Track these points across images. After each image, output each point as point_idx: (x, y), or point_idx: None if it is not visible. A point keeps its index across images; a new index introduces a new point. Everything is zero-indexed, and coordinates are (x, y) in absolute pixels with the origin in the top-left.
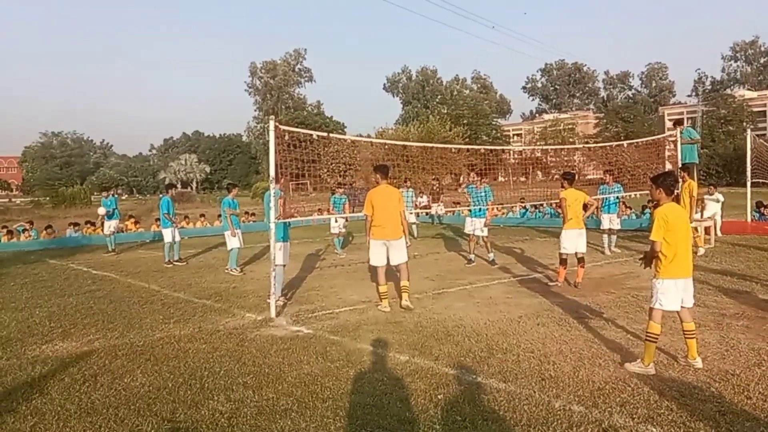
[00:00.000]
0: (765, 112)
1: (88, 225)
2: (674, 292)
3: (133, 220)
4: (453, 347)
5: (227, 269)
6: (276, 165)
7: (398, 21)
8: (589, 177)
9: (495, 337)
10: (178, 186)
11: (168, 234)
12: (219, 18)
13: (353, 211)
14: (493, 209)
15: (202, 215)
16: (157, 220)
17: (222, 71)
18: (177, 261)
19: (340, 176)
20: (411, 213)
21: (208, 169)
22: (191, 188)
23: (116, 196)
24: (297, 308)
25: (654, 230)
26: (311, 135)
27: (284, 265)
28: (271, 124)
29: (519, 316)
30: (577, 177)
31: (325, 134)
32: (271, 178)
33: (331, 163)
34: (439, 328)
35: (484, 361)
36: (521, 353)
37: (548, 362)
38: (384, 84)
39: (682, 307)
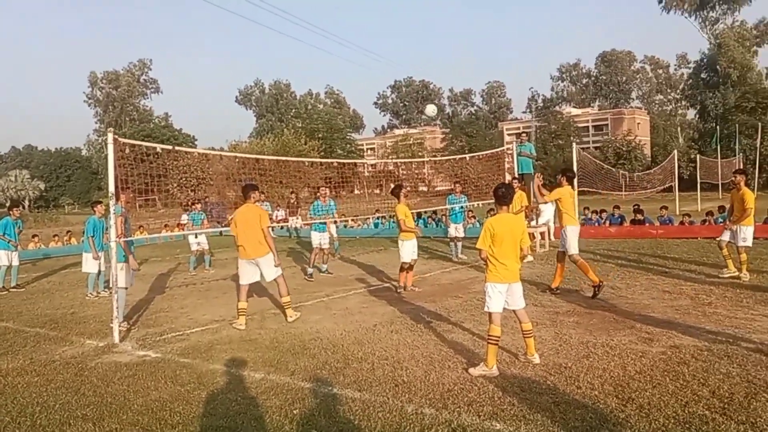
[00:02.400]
0: (588, 127)
1: None
2: (499, 296)
3: None
4: (309, 360)
5: (90, 294)
6: (117, 180)
7: (249, 34)
8: (438, 188)
9: (351, 347)
10: (23, 205)
11: (4, 257)
12: (54, 24)
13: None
14: (335, 221)
15: (35, 236)
16: None
17: (56, 81)
18: (14, 287)
19: (191, 191)
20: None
21: (42, 186)
22: (23, 207)
23: None
24: (144, 332)
25: (480, 239)
26: (155, 148)
27: (127, 287)
28: (110, 136)
29: (374, 324)
30: (428, 189)
31: (170, 147)
32: (110, 194)
33: (182, 178)
34: (295, 343)
35: (340, 371)
36: (376, 361)
37: (401, 368)
38: (236, 97)
39: (505, 309)
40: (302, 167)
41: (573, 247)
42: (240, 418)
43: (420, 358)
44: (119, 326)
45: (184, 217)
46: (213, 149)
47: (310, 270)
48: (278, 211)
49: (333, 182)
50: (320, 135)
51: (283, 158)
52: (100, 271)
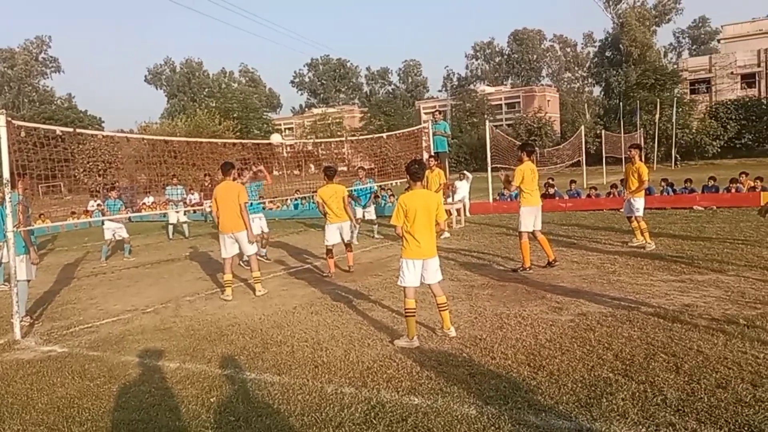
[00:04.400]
0: (501, 105)
1: None
2: (413, 271)
3: None
4: (227, 347)
5: None
6: (12, 166)
7: (158, 9)
8: (357, 167)
9: (270, 331)
10: None
11: None
12: None
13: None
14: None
15: None
16: None
17: None
18: None
19: (99, 176)
20: (179, 211)
21: None
22: None
23: None
24: (49, 326)
25: (393, 216)
26: (55, 131)
27: (29, 280)
28: (2, 119)
29: (294, 307)
30: (347, 168)
31: (70, 129)
32: (5, 181)
33: (88, 162)
34: (212, 329)
35: (259, 356)
36: (295, 344)
37: (321, 349)
38: (145, 76)
39: (423, 283)
40: (216, 148)
41: (522, 225)
42: (154, 410)
43: (340, 338)
44: (20, 321)
45: (92, 204)
46: (122, 131)
47: (264, 251)
48: (192, 194)
49: (250, 163)
50: (235, 115)
51: (196, 139)
52: (0, 263)
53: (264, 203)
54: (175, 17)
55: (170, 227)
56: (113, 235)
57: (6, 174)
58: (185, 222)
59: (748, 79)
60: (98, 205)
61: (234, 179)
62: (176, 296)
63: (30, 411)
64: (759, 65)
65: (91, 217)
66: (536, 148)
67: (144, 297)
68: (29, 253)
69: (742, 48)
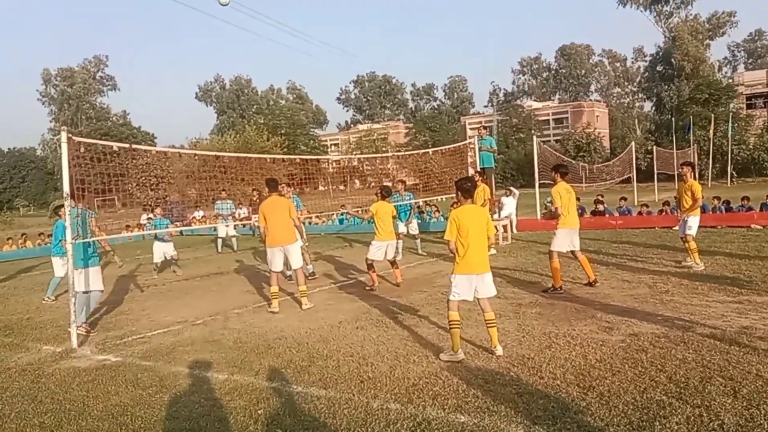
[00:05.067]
0: (548, 120)
1: None
2: (467, 286)
3: None
4: (274, 359)
5: (47, 298)
6: (72, 181)
7: (209, 29)
8: (396, 180)
9: (316, 345)
10: None
11: None
12: (3, 20)
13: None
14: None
15: (9, 238)
16: None
17: (8, 79)
18: None
19: (151, 190)
20: (228, 225)
21: None
22: None
23: None
24: (104, 335)
25: (447, 231)
26: (111, 146)
27: (87, 292)
28: (63, 135)
29: (339, 321)
30: (392, 184)
31: (126, 145)
32: (65, 195)
33: (141, 177)
34: (259, 342)
35: (305, 370)
36: (341, 358)
37: (367, 364)
38: (196, 93)
39: (476, 298)
40: (264, 164)
41: (555, 244)
42: (203, 420)
43: (385, 354)
44: (77, 330)
45: (144, 217)
46: (173, 147)
47: (310, 267)
48: (241, 209)
49: (296, 179)
50: (283, 131)
51: (245, 155)
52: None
53: (311, 218)
54: (225, 36)
55: (219, 241)
56: (163, 255)
57: (66, 188)
58: (234, 236)
59: None
60: (149, 218)
61: (281, 194)
62: (225, 309)
63: (86, 418)
64: None
65: (143, 230)
66: (569, 169)
67: (193, 309)
68: (91, 265)
69: None
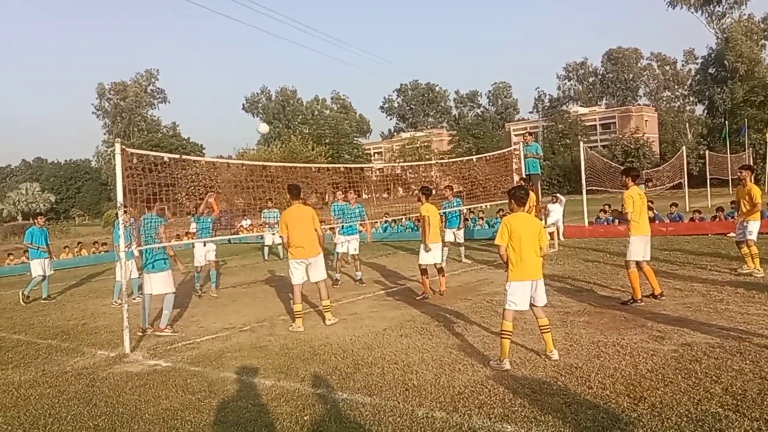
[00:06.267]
0: (595, 126)
1: None
2: (522, 293)
3: None
4: (319, 366)
5: (115, 302)
6: (125, 191)
7: (254, 41)
8: (444, 186)
9: (360, 352)
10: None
11: (38, 267)
12: (60, 36)
13: (215, 235)
14: (367, 226)
15: (66, 247)
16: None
17: (65, 93)
18: (44, 299)
19: (200, 199)
20: (275, 233)
21: (53, 198)
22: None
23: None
24: (154, 341)
25: (498, 235)
26: (163, 157)
27: (150, 295)
28: (117, 147)
29: (384, 328)
30: (435, 192)
31: (176, 156)
32: (119, 204)
33: (190, 186)
34: (305, 349)
35: (350, 376)
36: (386, 365)
37: (411, 372)
38: (243, 104)
39: (533, 306)
40: (309, 173)
41: (632, 253)
42: (251, 426)
43: (430, 362)
44: (161, 332)
45: (193, 226)
46: (221, 157)
47: (337, 276)
48: None
49: (341, 187)
50: (327, 140)
51: (290, 164)
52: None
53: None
54: (271, 47)
55: (266, 249)
56: (204, 257)
57: (120, 197)
58: (280, 244)
59: None
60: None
61: (305, 202)
62: (271, 315)
63: (138, 421)
64: None
65: (193, 238)
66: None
67: (241, 315)
68: (158, 270)
69: None
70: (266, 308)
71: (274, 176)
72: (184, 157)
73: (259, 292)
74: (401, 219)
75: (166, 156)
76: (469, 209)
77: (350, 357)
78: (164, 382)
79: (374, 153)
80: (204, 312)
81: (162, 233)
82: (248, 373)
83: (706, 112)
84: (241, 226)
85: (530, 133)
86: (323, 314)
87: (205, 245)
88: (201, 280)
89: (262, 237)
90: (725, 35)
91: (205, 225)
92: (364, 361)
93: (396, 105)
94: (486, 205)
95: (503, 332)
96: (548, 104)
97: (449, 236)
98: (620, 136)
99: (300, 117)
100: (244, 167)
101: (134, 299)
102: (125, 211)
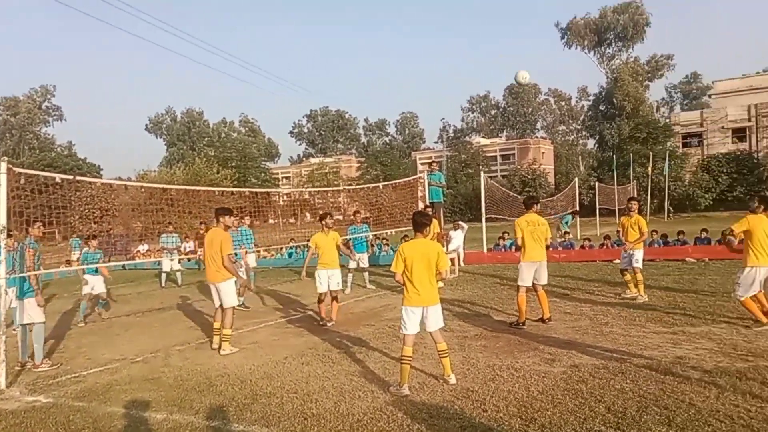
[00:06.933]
0: (496, 156)
1: None
2: (413, 319)
3: None
4: (215, 398)
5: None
6: (10, 213)
7: (160, 61)
8: (354, 211)
9: (259, 382)
10: None
11: None
12: None
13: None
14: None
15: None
16: None
17: None
18: None
19: (94, 223)
20: (173, 259)
21: None
22: None
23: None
24: (35, 375)
25: (393, 263)
26: (54, 178)
27: (25, 325)
28: (3, 165)
29: (284, 357)
30: (343, 218)
31: (69, 177)
32: (2, 227)
33: (84, 209)
34: (201, 380)
35: (248, 407)
36: (285, 395)
37: (311, 401)
38: (146, 125)
39: (428, 331)
40: (213, 197)
41: (521, 278)
42: None
43: (330, 390)
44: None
45: (75, 254)
46: (120, 179)
47: (241, 299)
48: (187, 242)
49: (246, 211)
50: (234, 164)
51: (193, 188)
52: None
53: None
54: (178, 68)
55: (163, 275)
56: (92, 290)
57: (3, 220)
58: (178, 270)
59: (739, 134)
60: (77, 255)
61: (226, 228)
62: (166, 345)
63: None
64: (749, 120)
65: (74, 266)
66: (537, 199)
67: (134, 346)
68: (34, 296)
69: (732, 103)
70: (161, 338)
71: (176, 199)
72: (78, 177)
73: (154, 321)
74: (307, 245)
75: (57, 177)
76: (375, 235)
77: (248, 387)
78: (43, 420)
79: (282, 177)
80: (93, 342)
81: (29, 258)
82: (138, 407)
83: (596, 146)
84: (138, 251)
85: (436, 162)
86: (221, 343)
87: (86, 282)
88: (86, 309)
89: (159, 263)
90: (614, 75)
91: (94, 260)
92: (263, 391)
93: (306, 130)
94: (391, 231)
95: (403, 357)
96: (452, 135)
97: (351, 264)
98: (519, 166)
99: (206, 139)
100: (144, 190)
101: (13, 330)
102: (10, 235)
